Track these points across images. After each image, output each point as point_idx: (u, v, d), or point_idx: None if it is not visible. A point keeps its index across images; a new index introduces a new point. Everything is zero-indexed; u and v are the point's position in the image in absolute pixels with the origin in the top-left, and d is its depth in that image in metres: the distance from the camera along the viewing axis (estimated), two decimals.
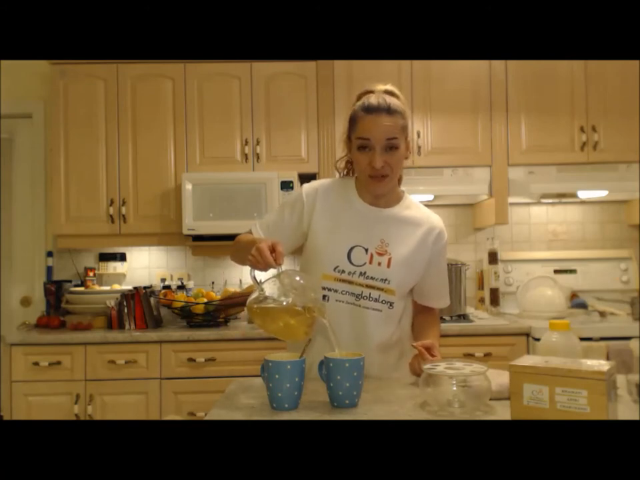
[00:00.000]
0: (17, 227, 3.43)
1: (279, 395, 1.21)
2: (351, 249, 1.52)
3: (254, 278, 1.34)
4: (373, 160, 1.45)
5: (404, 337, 1.63)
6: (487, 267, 3.22)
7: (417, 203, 1.63)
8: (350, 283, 1.51)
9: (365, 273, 1.50)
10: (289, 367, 1.22)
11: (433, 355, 1.42)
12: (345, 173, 1.65)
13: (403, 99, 1.53)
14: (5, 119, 3.34)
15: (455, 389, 1.19)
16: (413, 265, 1.55)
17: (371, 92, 1.52)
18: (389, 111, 1.45)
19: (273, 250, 1.33)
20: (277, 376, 1.21)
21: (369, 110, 1.46)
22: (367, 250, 1.52)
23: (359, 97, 1.54)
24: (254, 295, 1.33)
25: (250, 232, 1.62)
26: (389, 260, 1.51)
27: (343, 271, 1.51)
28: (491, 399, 1.23)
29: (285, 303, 1.29)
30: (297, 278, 1.34)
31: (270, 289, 1.31)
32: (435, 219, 1.60)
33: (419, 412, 1.21)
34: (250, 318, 1.37)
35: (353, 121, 1.50)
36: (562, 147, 3.00)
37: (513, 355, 2.60)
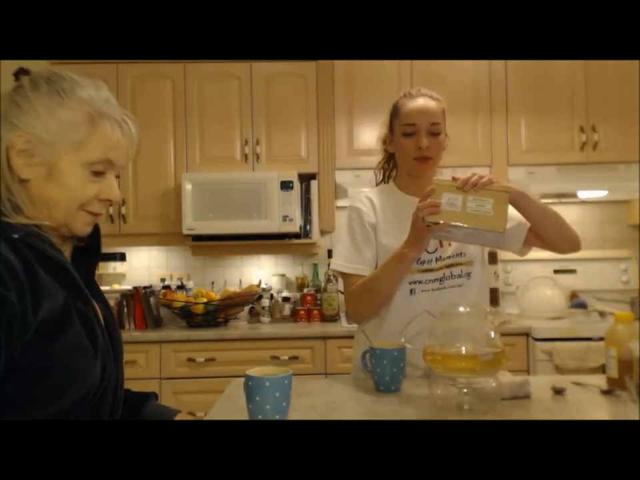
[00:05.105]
0: None
1: (267, 407, 1.12)
2: None
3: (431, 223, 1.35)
4: (419, 141, 1.52)
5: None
6: (487, 267, 3.21)
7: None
8: (431, 270, 1.55)
9: (440, 256, 1.55)
10: (267, 384, 1.12)
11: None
12: (381, 177, 1.70)
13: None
14: None
15: (465, 390, 1.19)
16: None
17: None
18: (431, 97, 1.59)
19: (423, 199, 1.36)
20: (257, 398, 1.13)
21: (412, 95, 1.58)
22: None
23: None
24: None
25: (352, 279, 1.57)
26: None
27: (423, 262, 1.54)
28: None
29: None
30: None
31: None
32: None
33: (424, 412, 1.21)
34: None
35: (395, 111, 1.59)
36: (562, 147, 3.01)
37: (513, 354, 2.60)
